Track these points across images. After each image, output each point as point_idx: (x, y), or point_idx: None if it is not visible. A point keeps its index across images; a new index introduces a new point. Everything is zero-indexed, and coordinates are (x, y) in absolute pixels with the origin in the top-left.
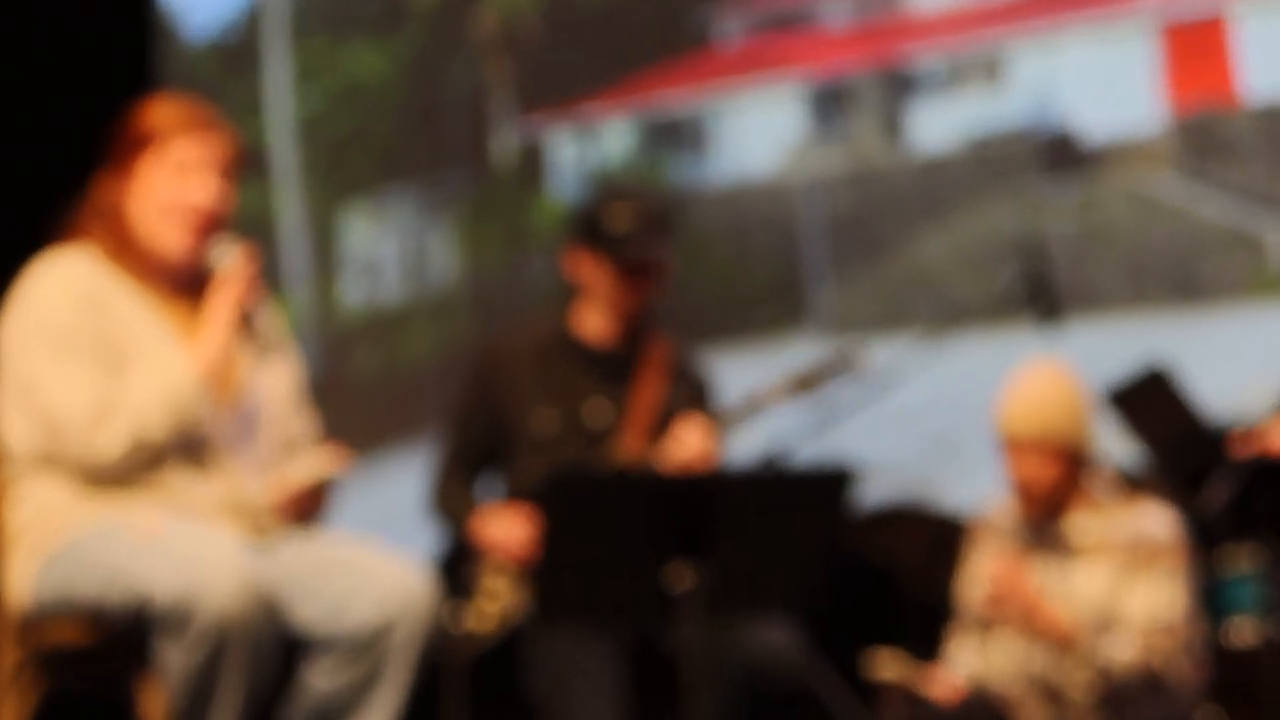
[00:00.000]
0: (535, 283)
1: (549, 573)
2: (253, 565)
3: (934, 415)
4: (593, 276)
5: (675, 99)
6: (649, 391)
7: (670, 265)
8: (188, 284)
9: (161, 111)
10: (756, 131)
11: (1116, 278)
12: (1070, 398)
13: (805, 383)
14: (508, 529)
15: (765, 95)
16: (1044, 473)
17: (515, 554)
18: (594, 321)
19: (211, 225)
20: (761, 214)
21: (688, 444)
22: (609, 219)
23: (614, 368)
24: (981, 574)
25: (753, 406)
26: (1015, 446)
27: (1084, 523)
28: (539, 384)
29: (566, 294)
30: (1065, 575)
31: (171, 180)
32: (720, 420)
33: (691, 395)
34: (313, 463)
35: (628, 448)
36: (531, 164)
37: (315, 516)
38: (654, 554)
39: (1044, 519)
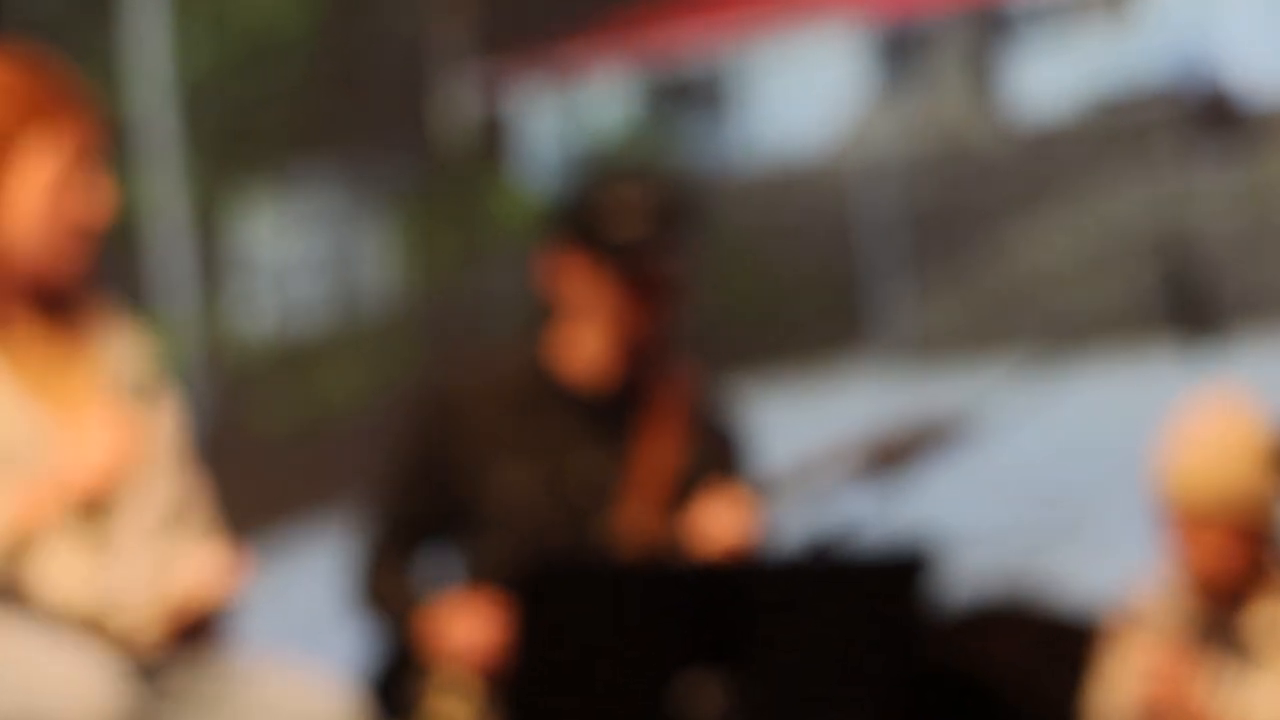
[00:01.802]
0: (499, 298)
1: (525, 694)
2: (120, 692)
3: (1048, 470)
4: (585, 292)
5: (690, 49)
6: (659, 447)
7: (690, 277)
8: (45, 303)
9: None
10: (801, 94)
11: None
12: (1263, 455)
13: (882, 458)
14: (466, 629)
15: (812, 44)
16: (1232, 558)
17: (476, 663)
18: (583, 351)
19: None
20: (808, 204)
21: (716, 522)
22: (611, 214)
23: (610, 415)
24: (1131, 678)
25: (806, 481)
26: (1194, 522)
27: (1270, 616)
28: (509, 437)
29: (543, 315)
30: (1245, 685)
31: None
32: (759, 492)
33: (717, 453)
34: (199, 578)
35: (631, 524)
36: (494, 137)
37: (204, 639)
38: (668, 668)
39: (1218, 611)
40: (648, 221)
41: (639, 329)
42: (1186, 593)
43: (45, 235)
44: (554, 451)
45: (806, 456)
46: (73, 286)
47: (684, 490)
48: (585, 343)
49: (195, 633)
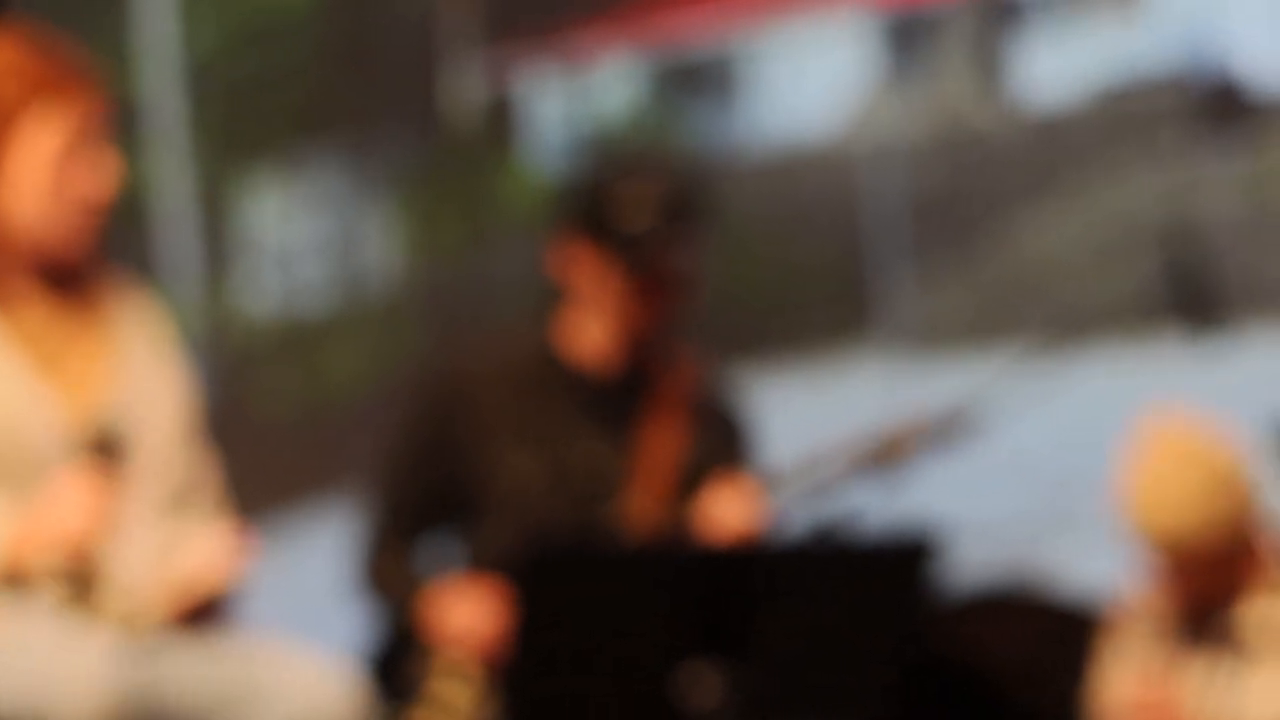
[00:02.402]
0: (505, 282)
1: (525, 680)
2: (123, 676)
3: (1050, 460)
4: (593, 282)
5: (696, 33)
6: (663, 435)
7: (699, 270)
8: (54, 279)
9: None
10: (808, 79)
11: None
12: (1219, 474)
13: (886, 453)
14: (468, 614)
15: (819, 29)
16: (1211, 582)
17: (477, 649)
18: (590, 339)
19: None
20: (814, 190)
21: (723, 511)
22: (622, 205)
23: (615, 402)
24: (1122, 686)
25: (811, 476)
26: (1162, 553)
27: (1262, 611)
28: (514, 423)
29: (549, 300)
30: (1238, 684)
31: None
32: (765, 485)
33: (721, 442)
34: (207, 559)
35: (635, 512)
36: (502, 120)
37: (208, 621)
38: (668, 654)
39: (1207, 608)
40: (657, 214)
41: (645, 320)
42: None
43: (50, 210)
44: (558, 438)
45: (812, 451)
46: (81, 262)
47: (688, 479)
48: (591, 330)
49: (200, 615)
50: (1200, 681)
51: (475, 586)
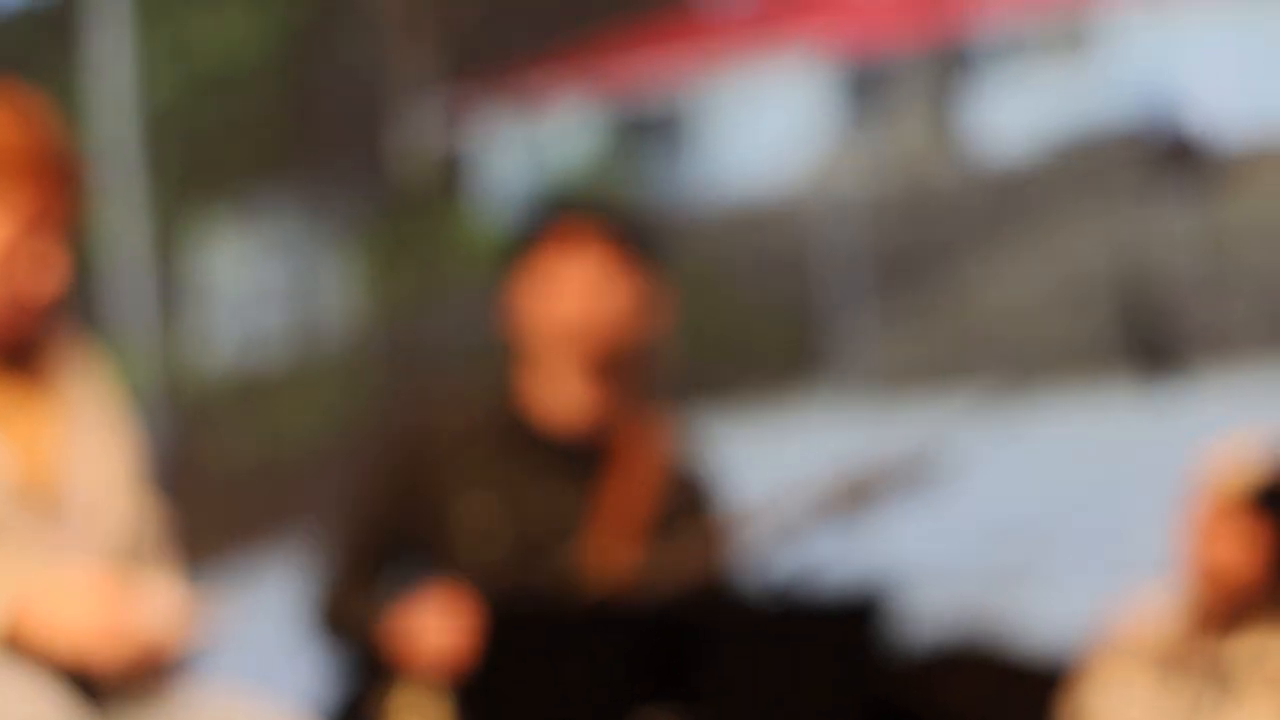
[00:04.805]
0: (460, 333)
1: None
2: None
3: (1006, 505)
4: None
5: (653, 83)
6: (625, 487)
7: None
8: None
9: None
10: (765, 131)
11: (1253, 324)
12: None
13: (844, 499)
14: (434, 630)
15: (775, 80)
16: (1255, 549)
17: (447, 662)
18: (551, 393)
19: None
20: (770, 239)
21: (679, 565)
22: None
23: (579, 456)
24: (1110, 707)
25: (773, 522)
26: (1226, 513)
27: (1258, 645)
28: (477, 478)
29: (509, 352)
30: (1222, 717)
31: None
32: (725, 525)
33: (684, 493)
34: (158, 616)
35: (595, 562)
36: (455, 169)
37: (161, 676)
38: (624, 709)
39: (1206, 638)
40: None
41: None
42: (1184, 615)
43: None
44: (519, 492)
45: (772, 495)
46: (21, 342)
47: (650, 530)
48: (552, 383)
49: (153, 670)
50: (1186, 713)
51: (442, 599)
